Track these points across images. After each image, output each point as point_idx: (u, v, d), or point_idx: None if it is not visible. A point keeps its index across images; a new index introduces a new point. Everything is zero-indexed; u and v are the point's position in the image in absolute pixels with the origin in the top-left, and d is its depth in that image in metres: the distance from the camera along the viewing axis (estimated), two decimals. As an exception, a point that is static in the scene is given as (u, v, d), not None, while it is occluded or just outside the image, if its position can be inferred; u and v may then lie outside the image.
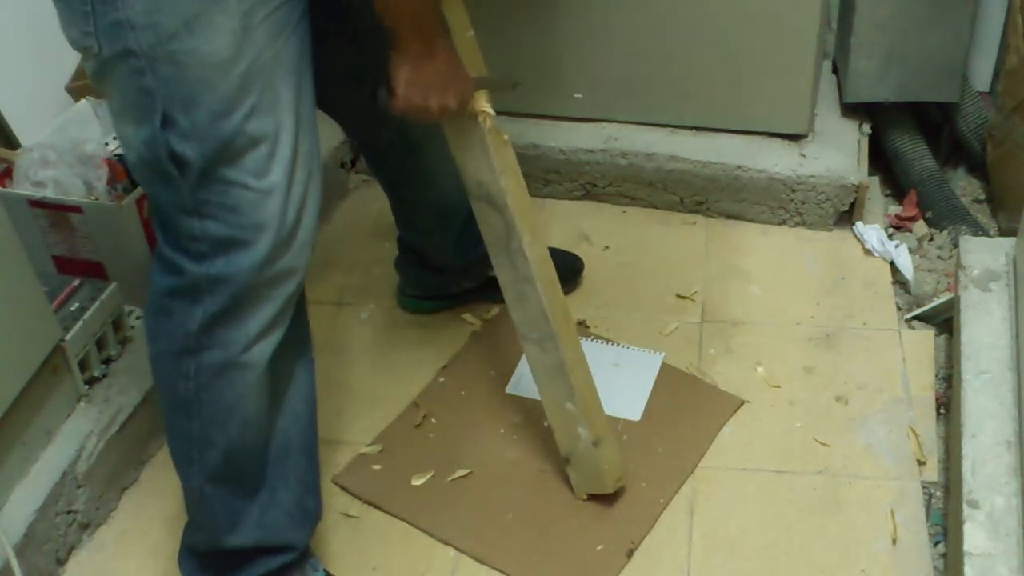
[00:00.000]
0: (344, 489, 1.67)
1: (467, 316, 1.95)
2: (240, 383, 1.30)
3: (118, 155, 1.82)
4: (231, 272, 1.23)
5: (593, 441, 1.55)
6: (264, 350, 1.29)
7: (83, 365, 1.65)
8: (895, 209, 2.15)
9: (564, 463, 1.61)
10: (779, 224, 2.12)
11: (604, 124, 2.17)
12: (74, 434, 1.61)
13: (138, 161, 1.21)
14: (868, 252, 2.04)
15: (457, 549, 1.58)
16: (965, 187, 2.23)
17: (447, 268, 1.88)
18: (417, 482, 1.66)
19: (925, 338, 1.86)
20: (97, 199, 1.76)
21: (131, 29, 1.11)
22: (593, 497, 1.61)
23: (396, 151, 1.66)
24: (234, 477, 1.37)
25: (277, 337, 1.30)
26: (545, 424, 1.66)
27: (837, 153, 2.09)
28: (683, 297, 1.97)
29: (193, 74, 1.13)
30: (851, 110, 2.19)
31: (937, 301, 1.89)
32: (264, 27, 1.16)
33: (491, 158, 1.43)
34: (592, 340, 1.87)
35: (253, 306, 1.26)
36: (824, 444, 1.69)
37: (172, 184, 1.20)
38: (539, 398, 1.76)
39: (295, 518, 1.44)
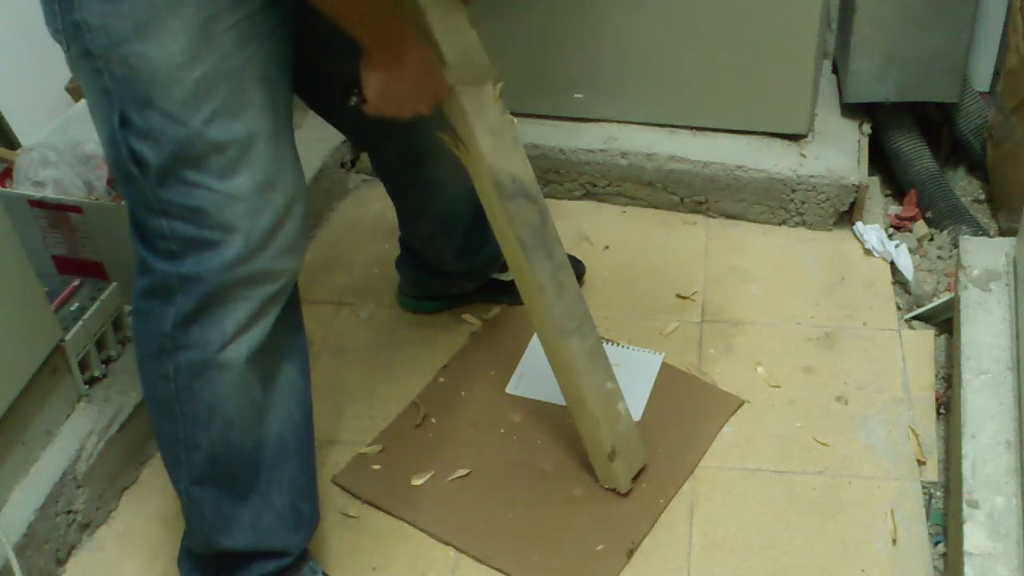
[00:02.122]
0: (344, 489, 1.67)
1: (467, 316, 1.95)
2: (219, 383, 1.29)
3: (118, 155, 1.82)
4: (201, 271, 1.23)
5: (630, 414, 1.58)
6: (241, 349, 1.28)
7: (83, 365, 1.65)
8: (895, 209, 2.15)
9: (610, 459, 1.58)
10: (779, 224, 2.12)
11: (604, 124, 2.17)
12: (74, 434, 1.61)
13: (107, 159, 1.23)
14: (868, 252, 2.04)
15: (457, 549, 1.58)
16: (965, 187, 2.23)
17: (448, 271, 1.88)
18: (417, 482, 1.66)
19: (925, 338, 1.86)
20: (97, 199, 1.76)
21: (87, 30, 1.12)
22: (593, 498, 1.61)
23: (402, 159, 1.66)
24: (222, 479, 1.37)
25: (257, 337, 1.29)
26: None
27: (837, 153, 2.09)
28: (683, 297, 1.97)
29: (145, 77, 1.13)
30: (851, 110, 2.19)
31: (937, 301, 1.89)
32: (231, 34, 1.15)
33: (521, 149, 1.43)
34: (592, 340, 1.87)
35: (228, 305, 1.25)
36: (824, 444, 1.69)
37: (135, 183, 1.20)
38: (538, 398, 1.77)
39: (289, 522, 1.43)
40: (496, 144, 1.41)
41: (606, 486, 1.62)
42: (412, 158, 1.64)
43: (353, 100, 1.31)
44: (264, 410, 1.36)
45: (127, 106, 1.15)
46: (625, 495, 1.61)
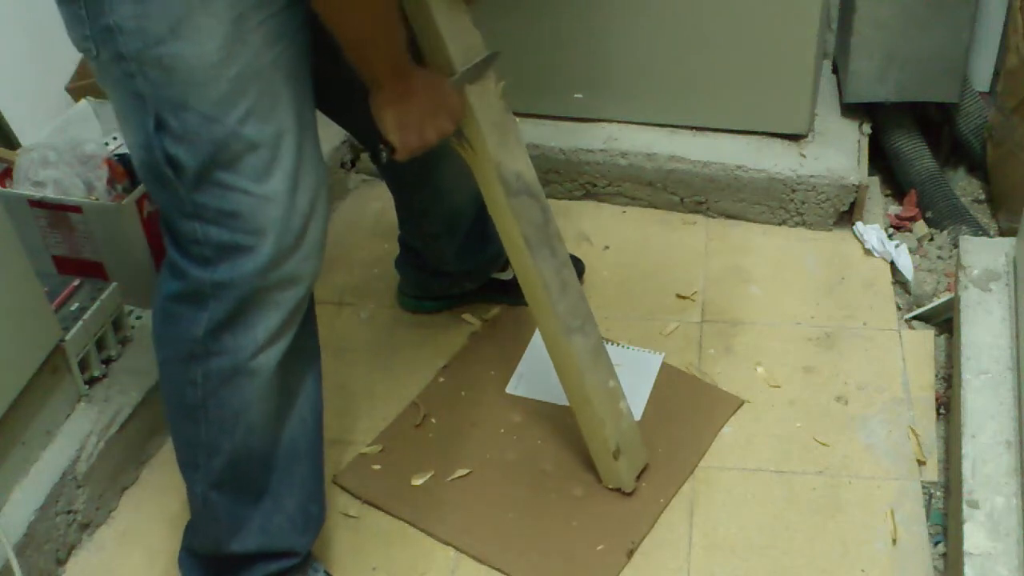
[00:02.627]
0: (344, 489, 1.67)
1: (467, 316, 1.95)
2: (248, 390, 1.29)
3: (118, 155, 1.82)
4: (235, 277, 1.22)
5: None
6: (272, 356, 1.29)
7: (83, 365, 1.65)
8: (895, 209, 2.15)
9: (614, 458, 1.58)
10: (779, 224, 2.12)
11: (604, 124, 2.17)
12: (74, 434, 1.61)
13: (139, 164, 1.22)
14: (868, 252, 2.04)
15: (457, 549, 1.58)
16: (965, 187, 2.23)
17: (448, 271, 1.88)
18: (417, 482, 1.66)
19: (925, 338, 1.86)
20: (97, 199, 1.76)
21: (120, 33, 1.11)
22: (593, 498, 1.61)
23: (411, 162, 1.66)
24: (239, 483, 1.37)
25: (286, 343, 1.29)
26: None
27: (837, 153, 2.09)
28: (683, 297, 1.97)
29: (181, 77, 1.13)
30: (851, 110, 2.19)
31: (937, 301, 1.89)
32: (260, 32, 1.15)
33: (524, 147, 1.43)
34: (592, 340, 1.87)
35: (260, 311, 1.25)
36: (824, 444, 1.69)
37: (170, 187, 1.20)
38: (538, 398, 1.77)
39: (298, 524, 1.43)
40: (501, 141, 1.42)
41: (610, 486, 1.62)
42: (421, 160, 1.64)
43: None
44: (282, 415, 1.36)
45: (163, 108, 1.15)
46: (629, 494, 1.61)
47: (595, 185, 2.19)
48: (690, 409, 1.75)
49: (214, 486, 1.36)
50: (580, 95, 2.15)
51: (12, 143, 1.94)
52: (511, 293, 1.92)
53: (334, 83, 1.36)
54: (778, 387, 1.79)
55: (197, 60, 1.12)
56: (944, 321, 1.86)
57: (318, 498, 1.46)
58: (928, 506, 1.59)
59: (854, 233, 2.08)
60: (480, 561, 1.56)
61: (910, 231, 2.09)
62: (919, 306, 1.91)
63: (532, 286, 1.50)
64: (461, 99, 1.36)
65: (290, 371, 1.34)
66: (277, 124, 1.19)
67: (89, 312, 1.64)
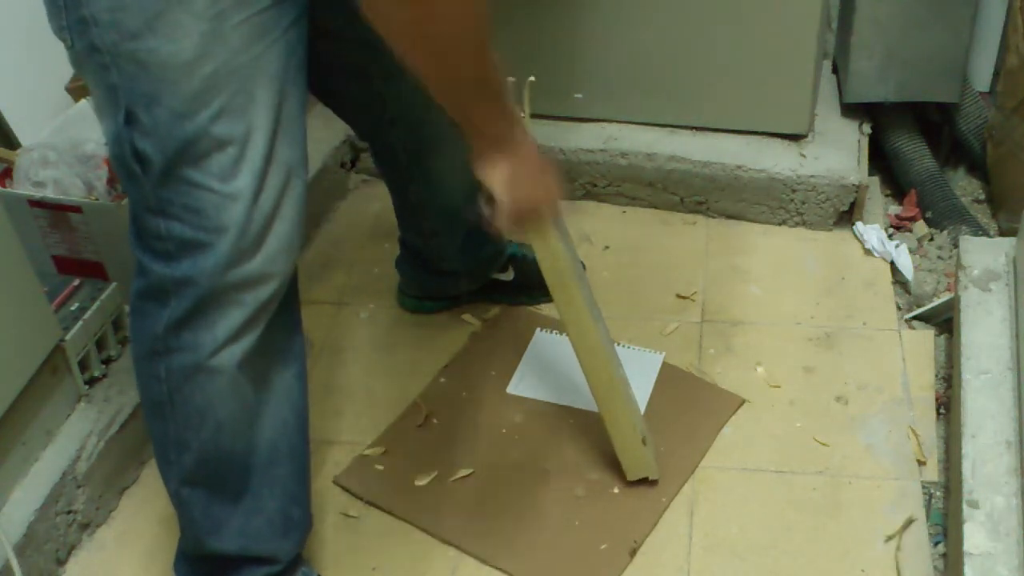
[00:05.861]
0: (346, 490, 1.67)
1: (467, 316, 1.95)
2: (210, 387, 1.28)
3: (118, 155, 1.82)
4: (194, 274, 1.21)
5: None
6: (234, 355, 1.27)
7: (83, 365, 1.65)
8: (895, 209, 2.15)
9: (643, 444, 1.58)
10: (779, 224, 2.12)
11: (604, 124, 2.17)
12: (74, 434, 1.61)
13: (111, 157, 1.22)
14: (868, 252, 2.04)
15: (459, 549, 1.58)
16: (965, 187, 2.23)
17: (449, 270, 1.88)
18: (421, 482, 1.66)
19: (925, 338, 1.86)
20: (97, 199, 1.76)
21: (95, 26, 1.11)
22: (595, 497, 1.62)
23: (406, 151, 1.65)
24: (211, 481, 1.36)
25: (249, 342, 1.27)
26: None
27: (837, 153, 2.09)
28: (683, 297, 1.97)
29: (155, 73, 1.12)
30: (851, 110, 2.19)
31: (937, 301, 1.89)
32: (241, 31, 1.14)
33: None
34: (592, 340, 1.87)
35: (220, 310, 1.24)
36: (824, 444, 1.69)
37: (137, 182, 1.19)
38: (540, 398, 1.77)
39: (278, 528, 1.41)
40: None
41: (633, 478, 1.61)
42: (414, 150, 1.63)
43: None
44: (256, 414, 1.35)
45: (134, 102, 1.14)
46: (654, 482, 1.61)
47: (595, 185, 2.19)
48: (690, 409, 1.75)
49: (186, 483, 1.35)
50: (580, 95, 2.15)
51: (12, 143, 1.94)
52: (511, 293, 1.92)
53: (326, 68, 1.35)
54: (778, 387, 1.79)
55: (171, 57, 1.11)
56: (944, 321, 1.86)
57: (301, 502, 1.44)
58: (928, 506, 1.59)
59: (854, 233, 2.08)
60: (482, 561, 1.56)
61: (910, 231, 2.09)
62: (919, 306, 1.92)
63: (562, 273, 1.48)
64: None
65: (261, 371, 1.33)
66: (248, 123, 1.18)
67: (89, 312, 1.64)
